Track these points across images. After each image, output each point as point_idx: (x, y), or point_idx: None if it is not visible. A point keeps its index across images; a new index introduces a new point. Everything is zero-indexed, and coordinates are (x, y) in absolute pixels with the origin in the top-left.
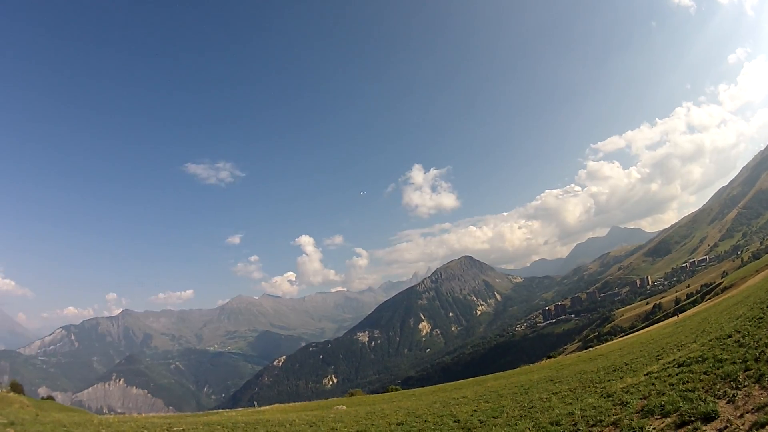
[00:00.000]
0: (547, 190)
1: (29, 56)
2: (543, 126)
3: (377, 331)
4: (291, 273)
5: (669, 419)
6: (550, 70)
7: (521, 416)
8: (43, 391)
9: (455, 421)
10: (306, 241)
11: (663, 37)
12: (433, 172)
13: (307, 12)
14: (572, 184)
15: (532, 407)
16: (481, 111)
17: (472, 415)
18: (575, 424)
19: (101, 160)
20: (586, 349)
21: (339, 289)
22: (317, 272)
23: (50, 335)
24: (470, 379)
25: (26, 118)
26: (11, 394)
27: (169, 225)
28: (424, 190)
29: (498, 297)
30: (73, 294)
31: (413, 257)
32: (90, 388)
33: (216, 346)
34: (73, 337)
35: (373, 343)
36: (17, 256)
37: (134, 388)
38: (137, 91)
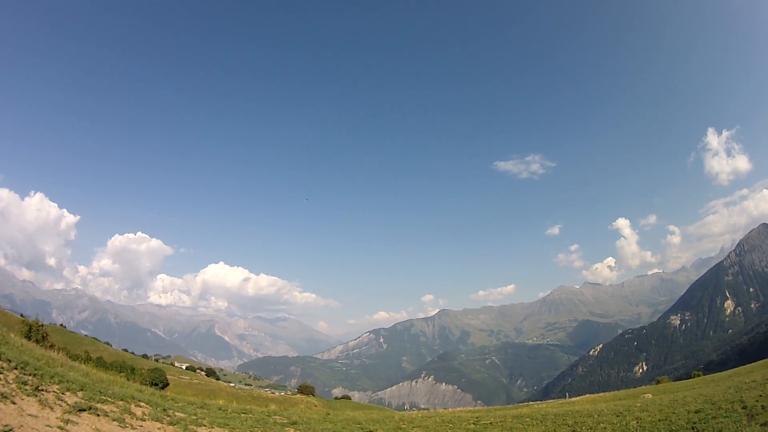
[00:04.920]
0: None
1: None
2: None
3: (688, 313)
4: (610, 258)
5: None
6: None
7: None
8: (338, 392)
9: (743, 407)
10: (622, 224)
11: None
12: (725, 134)
13: None
14: None
15: None
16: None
17: (757, 401)
18: None
19: (424, 176)
20: None
21: (655, 270)
22: (635, 255)
23: (355, 339)
24: (759, 361)
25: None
26: (297, 395)
27: (487, 224)
28: (720, 155)
29: None
30: (385, 300)
31: (719, 230)
32: (394, 387)
33: (535, 338)
34: (381, 340)
35: (683, 326)
36: (316, 273)
37: (443, 384)
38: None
